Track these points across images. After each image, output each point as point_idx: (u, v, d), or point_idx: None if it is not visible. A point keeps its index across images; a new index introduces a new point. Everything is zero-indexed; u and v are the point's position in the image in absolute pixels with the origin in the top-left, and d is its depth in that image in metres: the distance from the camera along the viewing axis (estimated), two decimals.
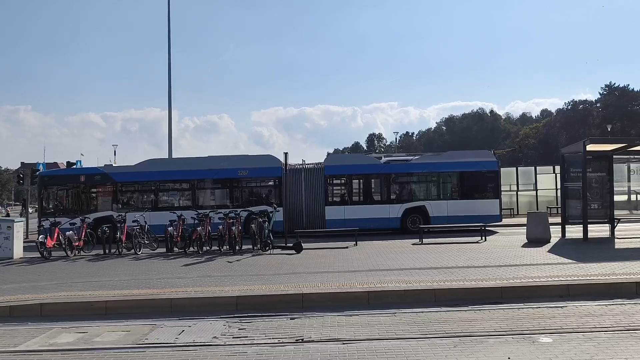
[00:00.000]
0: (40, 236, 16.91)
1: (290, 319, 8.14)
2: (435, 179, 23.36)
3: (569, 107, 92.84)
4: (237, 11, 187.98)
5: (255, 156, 23.43)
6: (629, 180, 18.97)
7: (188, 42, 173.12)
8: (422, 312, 8.27)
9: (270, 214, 17.68)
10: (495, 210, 22.32)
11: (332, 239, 19.92)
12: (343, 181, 23.44)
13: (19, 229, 17.53)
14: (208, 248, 17.29)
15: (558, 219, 19.85)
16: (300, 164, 24.06)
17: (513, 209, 29.13)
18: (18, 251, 17.25)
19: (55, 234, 16.86)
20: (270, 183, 23.16)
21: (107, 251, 17.46)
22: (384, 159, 24.44)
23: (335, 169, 23.13)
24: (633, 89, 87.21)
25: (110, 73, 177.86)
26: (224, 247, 17.11)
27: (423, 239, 18.25)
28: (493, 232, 21.38)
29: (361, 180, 23.26)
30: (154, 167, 22.89)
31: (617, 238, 17.05)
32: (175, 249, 17.32)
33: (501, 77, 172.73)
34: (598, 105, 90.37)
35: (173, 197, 23.50)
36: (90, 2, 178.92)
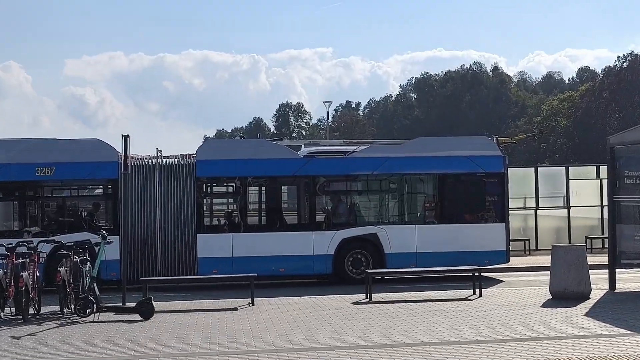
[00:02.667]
0: None
1: None
2: (395, 188, 23.73)
3: (625, 64, 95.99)
4: None
5: (70, 141, 23.24)
6: None
7: None
8: None
9: (97, 248, 17.32)
10: (497, 242, 22.88)
11: (211, 293, 19.78)
12: (230, 189, 23.41)
13: None
14: None
15: (604, 259, 20.54)
16: (155, 157, 23.73)
17: (529, 239, 29.93)
18: None
19: None
20: (96, 191, 22.94)
21: None
22: (305, 150, 24.58)
23: (217, 167, 22.97)
24: None
25: None
26: (10, 310, 16.61)
27: (372, 294, 18.38)
28: (494, 281, 21.91)
29: (263, 188, 23.32)
30: None
31: None
32: None
33: (512, 12, 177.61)
34: None
35: None
36: None
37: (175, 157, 23.79)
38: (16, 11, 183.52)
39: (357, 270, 22.50)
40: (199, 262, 22.33)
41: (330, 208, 23.53)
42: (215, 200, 23.50)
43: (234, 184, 23.35)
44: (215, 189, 23.43)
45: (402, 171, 23.48)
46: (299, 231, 22.98)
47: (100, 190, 22.63)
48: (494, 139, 24.94)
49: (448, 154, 23.50)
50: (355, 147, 24.57)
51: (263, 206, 23.61)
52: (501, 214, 23.25)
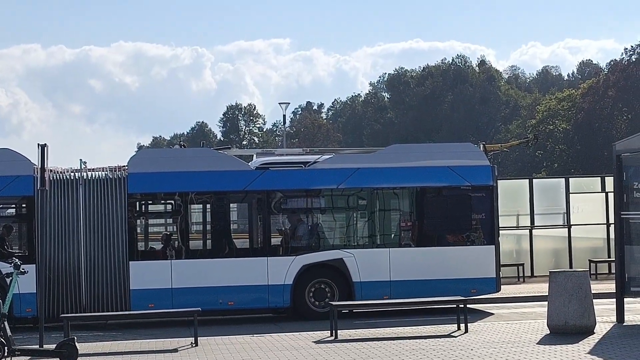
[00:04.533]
0: None
1: None
2: (364, 205, 23.77)
3: (634, 57, 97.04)
4: None
5: None
6: None
7: None
8: None
9: (8, 279, 17.19)
10: (485, 267, 23.05)
11: (147, 331, 19.85)
12: (169, 207, 23.38)
13: None
14: None
15: (610, 286, 20.71)
16: (78, 170, 23.64)
17: (523, 264, 30.19)
18: None
19: None
20: (7, 211, 22.88)
21: None
22: (257, 161, 24.61)
23: (153, 181, 22.91)
24: None
25: None
26: None
27: (338, 330, 18.40)
28: (482, 314, 22.06)
29: (208, 206, 23.39)
30: None
31: None
32: None
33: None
34: None
35: None
36: None
37: (103, 169, 23.65)
38: None
39: (320, 302, 22.57)
40: (131, 294, 22.19)
41: (288, 229, 23.53)
42: (150, 221, 23.44)
43: (173, 202, 23.34)
44: (151, 208, 23.35)
45: (372, 185, 23.51)
46: (251, 257, 23.04)
47: (13, 210, 22.53)
48: (481, 146, 25.16)
49: (427, 164, 23.57)
50: (318, 156, 24.70)
51: (208, 227, 23.60)
52: (490, 235, 23.37)
